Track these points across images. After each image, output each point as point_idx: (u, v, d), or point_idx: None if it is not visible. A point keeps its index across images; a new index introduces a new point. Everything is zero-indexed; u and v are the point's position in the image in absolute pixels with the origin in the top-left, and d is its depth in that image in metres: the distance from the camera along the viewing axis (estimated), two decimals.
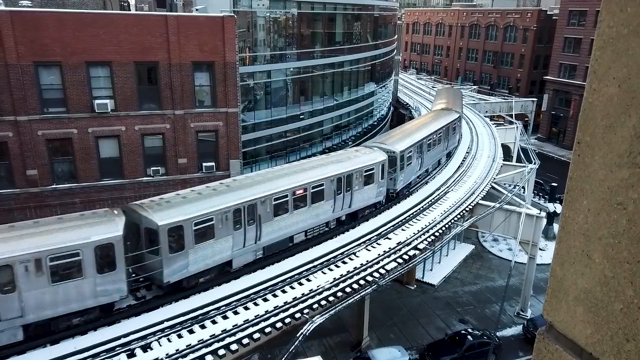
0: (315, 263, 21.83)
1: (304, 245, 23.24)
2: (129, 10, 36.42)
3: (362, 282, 20.90)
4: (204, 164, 27.93)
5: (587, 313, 1.45)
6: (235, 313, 18.13)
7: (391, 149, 27.57)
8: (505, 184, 36.18)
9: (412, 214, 27.44)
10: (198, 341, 16.48)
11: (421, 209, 28.22)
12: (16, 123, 23.81)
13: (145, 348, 16.08)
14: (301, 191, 22.26)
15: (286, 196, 21.54)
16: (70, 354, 15.39)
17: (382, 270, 21.81)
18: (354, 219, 25.90)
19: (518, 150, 46.91)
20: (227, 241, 19.51)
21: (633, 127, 1.29)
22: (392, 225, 25.87)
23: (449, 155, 37.99)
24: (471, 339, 26.13)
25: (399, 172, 27.93)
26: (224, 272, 20.22)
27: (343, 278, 20.81)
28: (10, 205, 24.34)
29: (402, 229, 25.67)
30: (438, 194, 30.51)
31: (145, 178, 26.97)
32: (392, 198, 28.72)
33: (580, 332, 1.47)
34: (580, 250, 1.46)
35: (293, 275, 20.75)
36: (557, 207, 42.76)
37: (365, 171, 25.32)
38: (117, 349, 15.83)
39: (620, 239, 1.33)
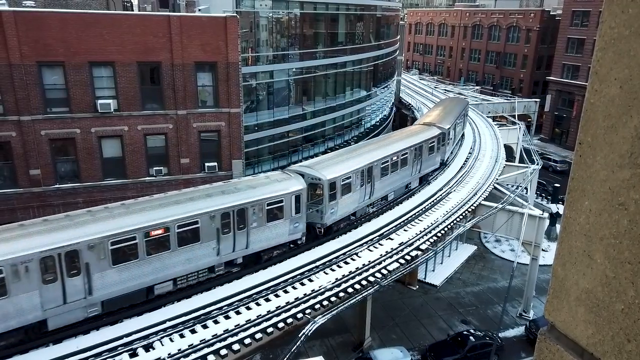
0: (318, 263, 21.83)
1: (295, 250, 23.23)
2: (132, 10, 36.51)
3: (364, 282, 20.89)
4: (207, 164, 27.96)
5: (588, 313, 1.45)
6: (238, 313, 18.16)
7: (317, 175, 23.18)
8: (507, 184, 36.12)
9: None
10: (200, 341, 16.51)
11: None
12: (19, 123, 23.89)
13: (148, 348, 16.12)
14: (160, 231, 18.14)
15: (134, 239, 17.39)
16: (73, 354, 15.43)
17: (384, 271, 21.80)
18: (258, 260, 21.69)
19: (521, 151, 46.85)
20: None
21: (634, 127, 1.29)
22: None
23: (423, 180, 32.61)
24: (473, 340, 26.09)
25: (326, 204, 23.11)
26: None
27: (345, 278, 20.81)
28: (13, 205, 24.42)
29: (405, 230, 25.65)
30: (440, 195, 30.43)
31: (147, 178, 27.02)
32: (318, 235, 23.98)
33: (582, 332, 1.47)
34: (582, 251, 1.47)
35: (295, 276, 20.76)
36: (560, 208, 42.66)
37: (269, 204, 21.12)
38: (119, 348, 15.88)
39: (622, 240, 1.33)
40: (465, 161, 37.72)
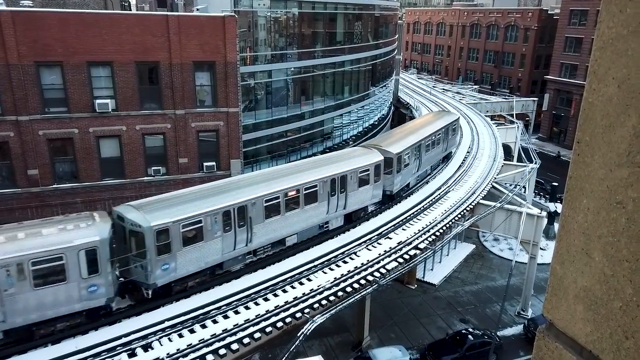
0: (316, 263, 21.84)
1: (304, 245, 23.30)
2: (130, 10, 36.46)
3: (362, 281, 20.90)
4: (205, 164, 27.95)
5: (586, 311, 1.46)
6: (236, 312, 18.16)
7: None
8: (506, 183, 36.17)
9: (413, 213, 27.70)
10: (199, 341, 16.51)
11: (421, 209, 28.42)
12: (17, 123, 23.85)
13: (146, 347, 16.11)
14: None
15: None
16: (71, 354, 15.42)
17: (382, 270, 21.81)
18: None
19: (519, 150, 46.91)
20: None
21: (632, 126, 1.30)
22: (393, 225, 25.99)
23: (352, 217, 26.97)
24: (472, 339, 26.13)
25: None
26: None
27: (344, 278, 20.82)
28: (11, 205, 24.38)
29: (403, 229, 25.68)
30: (439, 194, 30.49)
31: (146, 178, 27.00)
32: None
33: (580, 330, 1.48)
34: (580, 249, 1.48)
35: (294, 275, 20.77)
36: (558, 207, 42.73)
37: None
38: (118, 348, 15.87)
39: (620, 238, 1.34)
40: (464, 160, 37.74)
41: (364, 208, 26.96)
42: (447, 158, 37.62)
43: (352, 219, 26.21)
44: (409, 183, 30.64)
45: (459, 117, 38.32)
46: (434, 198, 29.83)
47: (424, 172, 33.10)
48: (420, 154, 30.93)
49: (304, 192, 22.88)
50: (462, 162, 37.20)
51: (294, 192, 22.54)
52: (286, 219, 22.25)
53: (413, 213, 27.56)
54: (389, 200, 28.63)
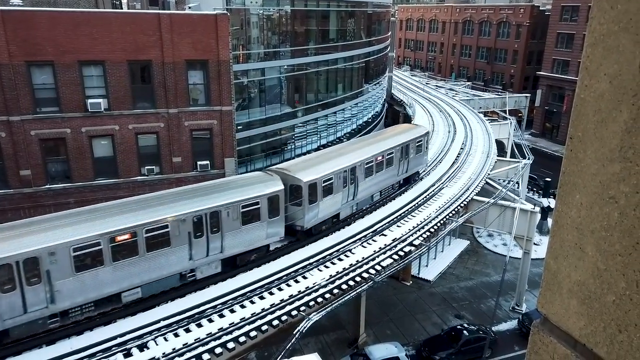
0: (312, 260, 21.85)
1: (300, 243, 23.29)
2: (121, 8, 36.23)
3: (358, 279, 20.95)
4: (199, 163, 27.86)
5: (580, 305, 1.47)
6: (232, 311, 18.15)
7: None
8: (499, 179, 36.33)
9: None
10: (195, 340, 16.49)
11: None
12: (9, 123, 23.66)
13: (142, 347, 16.07)
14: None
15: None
16: (67, 354, 15.36)
17: (377, 267, 21.87)
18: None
19: (512, 146, 47.13)
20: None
21: (624, 122, 1.31)
22: None
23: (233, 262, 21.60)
24: (467, 334, 26.27)
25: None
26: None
27: (339, 275, 20.86)
28: (3, 206, 24.20)
29: (398, 226, 25.74)
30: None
31: (139, 177, 26.88)
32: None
33: (574, 323, 1.49)
34: (574, 244, 1.49)
35: (289, 273, 20.78)
36: (551, 202, 42.99)
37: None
38: (114, 348, 15.82)
39: (613, 232, 1.36)
40: (457, 156, 37.86)
41: (258, 249, 21.31)
42: (410, 180, 31.24)
43: (237, 264, 20.74)
44: (338, 214, 25.07)
45: (427, 132, 32.13)
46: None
47: (367, 199, 27.40)
48: (356, 179, 25.30)
49: (147, 235, 17.55)
50: (455, 159, 37.31)
51: (126, 236, 17.17)
52: (115, 269, 17.06)
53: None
54: (306, 236, 23.32)
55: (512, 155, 45.44)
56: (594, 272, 1.42)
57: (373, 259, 22.27)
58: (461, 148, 40.09)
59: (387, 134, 31.80)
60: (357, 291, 20.78)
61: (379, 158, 27.27)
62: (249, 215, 20.60)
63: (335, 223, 25.13)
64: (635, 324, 1.30)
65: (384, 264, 22.14)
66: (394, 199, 29.11)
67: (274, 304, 18.65)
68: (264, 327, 17.60)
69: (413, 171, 31.16)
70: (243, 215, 20.36)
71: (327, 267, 21.59)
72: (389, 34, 60.27)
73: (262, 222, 21.02)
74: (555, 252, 1.56)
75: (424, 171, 33.64)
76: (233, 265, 20.70)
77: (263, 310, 18.25)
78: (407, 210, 27.63)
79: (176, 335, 16.73)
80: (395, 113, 68.40)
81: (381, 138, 30.20)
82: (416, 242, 24.30)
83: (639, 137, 1.27)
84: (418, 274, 33.92)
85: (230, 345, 16.62)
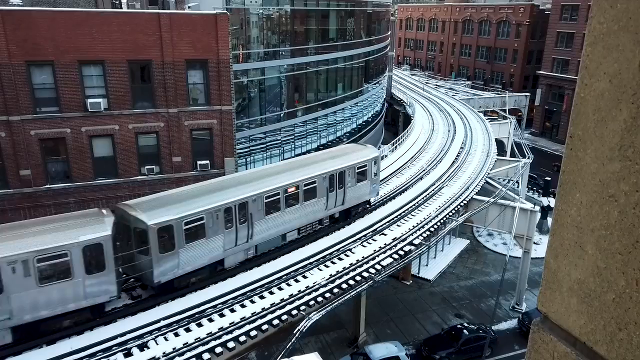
0: (311, 260, 21.86)
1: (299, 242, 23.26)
2: (121, 8, 36.21)
3: (358, 278, 20.96)
4: (199, 162, 27.87)
5: (580, 303, 1.48)
6: (232, 311, 18.15)
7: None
8: (499, 178, 36.33)
9: None
10: (195, 339, 16.49)
11: None
12: (8, 123, 23.65)
13: (142, 347, 16.08)
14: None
15: None
16: (67, 354, 15.36)
17: (378, 266, 21.88)
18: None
19: (512, 145, 47.14)
20: None
21: (624, 120, 1.31)
22: None
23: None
24: (467, 334, 26.29)
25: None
26: None
27: (339, 275, 20.87)
28: (3, 206, 24.20)
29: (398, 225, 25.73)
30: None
31: (139, 177, 26.89)
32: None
33: (574, 322, 1.50)
34: (574, 242, 1.49)
35: (289, 273, 20.79)
36: (551, 201, 43.01)
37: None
38: (114, 348, 15.82)
39: (612, 231, 1.36)
40: (457, 155, 37.87)
41: (78, 312, 16.58)
42: (350, 213, 25.82)
43: (41, 332, 16.22)
44: (222, 260, 20.02)
45: (377, 156, 26.57)
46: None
47: (275, 240, 22.26)
48: (249, 217, 20.36)
49: None
50: (455, 158, 37.31)
51: None
52: None
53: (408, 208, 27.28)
54: (160, 293, 18.51)
55: (512, 155, 45.45)
56: (594, 270, 1.43)
57: (373, 258, 22.28)
58: (461, 147, 40.09)
59: (317, 158, 25.69)
60: (357, 290, 20.79)
61: (291, 189, 22.13)
62: (53, 272, 15.84)
63: (220, 272, 20.15)
64: (635, 322, 1.31)
65: (383, 263, 22.15)
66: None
67: (274, 303, 18.65)
68: (264, 327, 17.60)
69: (354, 203, 25.55)
70: (45, 271, 15.64)
71: (326, 266, 21.57)
72: (389, 33, 60.26)
73: (74, 280, 16.08)
74: (555, 251, 1.57)
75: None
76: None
77: (263, 309, 18.26)
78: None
79: (176, 335, 16.74)
80: (395, 112, 68.42)
81: (304, 163, 24.30)
82: (416, 242, 24.27)
83: (639, 136, 1.28)
84: (418, 273, 33.93)
85: (231, 344, 16.62)
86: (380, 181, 31.41)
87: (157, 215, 17.68)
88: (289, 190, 22.09)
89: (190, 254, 18.62)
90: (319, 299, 19.43)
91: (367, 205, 27.22)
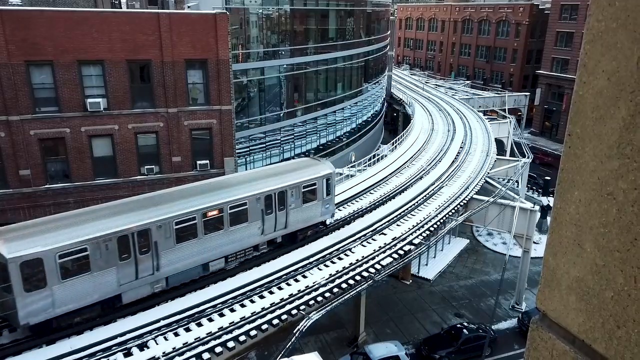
0: (311, 260, 21.85)
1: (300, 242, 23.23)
2: (121, 8, 36.20)
3: (358, 277, 20.96)
4: (199, 162, 27.87)
5: (579, 301, 1.48)
6: (232, 310, 18.15)
7: None
8: (499, 178, 36.34)
9: None
10: (195, 339, 16.49)
11: None
12: (8, 123, 23.65)
13: (142, 347, 16.08)
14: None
15: None
16: (67, 354, 15.35)
17: (377, 266, 21.87)
18: None
19: (511, 145, 47.14)
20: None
21: (622, 118, 1.31)
22: None
23: None
24: (467, 333, 26.29)
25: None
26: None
27: (339, 274, 20.86)
28: (3, 206, 24.20)
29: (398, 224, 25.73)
30: None
31: (139, 177, 26.89)
32: None
33: (573, 320, 1.50)
34: (572, 240, 1.49)
35: (289, 272, 20.78)
36: (551, 201, 43.02)
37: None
38: (114, 348, 15.82)
39: (611, 228, 1.36)
40: (457, 155, 37.88)
41: None
42: (296, 237, 22.78)
43: None
44: (120, 296, 17.38)
45: (331, 173, 23.29)
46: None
47: (193, 270, 19.30)
48: (153, 246, 17.74)
49: None
50: (455, 157, 37.31)
51: None
52: None
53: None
54: (37, 334, 15.98)
55: (512, 154, 45.45)
56: (593, 268, 1.43)
57: (373, 258, 22.26)
58: (460, 147, 40.09)
59: (257, 175, 22.76)
60: (357, 290, 20.79)
61: (212, 213, 19.26)
62: None
63: (117, 309, 17.46)
64: (633, 319, 1.31)
65: (383, 262, 22.14)
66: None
67: (273, 303, 18.65)
68: (264, 327, 17.60)
69: (300, 226, 22.53)
70: None
71: (326, 266, 21.57)
72: (388, 33, 60.28)
73: None
74: (554, 249, 1.57)
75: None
76: None
77: (263, 309, 18.25)
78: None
79: (176, 334, 16.74)
80: (394, 112, 68.43)
81: (237, 182, 21.33)
82: (416, 241, 24.27)
83: (637, 134, 1.28)
84: (418, 272, 33.93)
85: (231, 344, 16.62)
86: (381, 181, 31.48)
87: (21, 246, 15.02)
88: (209, 214, 19.15)
89: (70, 290, 15.93)
90: (319, 298, 19.41)
91: (323, 227, 24.12)
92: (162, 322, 17.11)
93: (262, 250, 21.72)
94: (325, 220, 24.09)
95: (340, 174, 33.90)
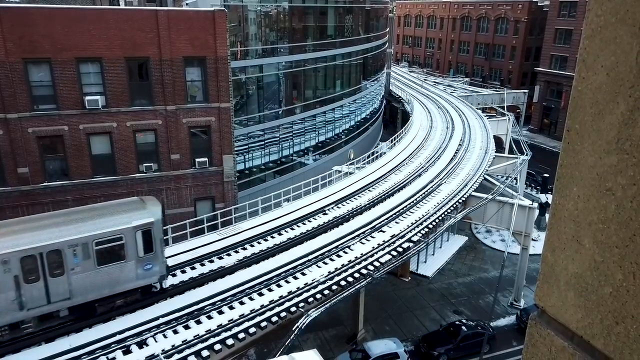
0: (310, 257, 21.87)
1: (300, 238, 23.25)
2: (119, 5, 36.08)
3: (356, 275, 20.97)
4: (197, 160, 27.84)
5: (577, 297, 1.47)
6: (231, 308, 18.16)
7: None
8: (497, 175, 36.36)
9: None
10: (194, 337, 16.50)
11: None
12: (6, 121, 23.60)
13: (141, 344, 16.08)
14: None
15: None
16: (66, 352, 15.36)
17: (376, 263, 21.89)
18: None
19: (510, 142, 47.15)
20: None
21: (621, 114, 1.31)
22: None
23: None
24: (465, 330, 26.35)
25: None
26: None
27: (338, 271, 20.88)
28: (2, 204, 24.16)
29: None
30: None
31: (138, 174, 26.85)
32: None
33: (572, 316, 1.49)
34: (571, 236, 1.49)
35: (288, 270, 20.80)
36: (549, 198, 43.07)
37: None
38: (113, 345, 15.83)
39: (609, 224, 1.36)
40: (456, 152, 37.88)
41: None
42: (89, 310, 16.75)
43: None
44: None
45: (149, 222, 17.28)
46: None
47: None
48: None
49: None
50: (454, 155, 37.31)
51: None
52: None
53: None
54: None
55: (510, 151, 45.47)
56: (591, 264, 1.42)
57: (371, 255, 22.29)
58: (459, 144, 40.09)
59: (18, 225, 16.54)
60: (356, 287, 20.81)
61: None
62: None
63: None
64: (632, 315, 1.31)
65: (382, 259, 22.16)
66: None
67: (272, 300, 18.67)
68: (263, 324, 17.62)
69: (93, 296, 16.61)
70: None
71: (325, 263, 21.59)
72: (387, 30, 60.20)
73: None
74: (552, 245, 1.56)
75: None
76: None
77: (262, 306, 18.27)
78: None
79: (175, 332, 16.75)
80: (393, 109, 68.41)
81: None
82: (414, 238, 24.29)
83: (636, 129, 1.27)
84: (416, 270, 33.97)
85: (230, 342, 16.64)
86: (380, 178, 31.43)
87: None
88: None
89: None
90: (318, 295, 19.44)
91: (154, 290, 18.30)
92: (161, 320, 17.10)
93: (30, 329, 15.71)
94: (153, 284, 17.99)
95: (339, 172, 33.92)
